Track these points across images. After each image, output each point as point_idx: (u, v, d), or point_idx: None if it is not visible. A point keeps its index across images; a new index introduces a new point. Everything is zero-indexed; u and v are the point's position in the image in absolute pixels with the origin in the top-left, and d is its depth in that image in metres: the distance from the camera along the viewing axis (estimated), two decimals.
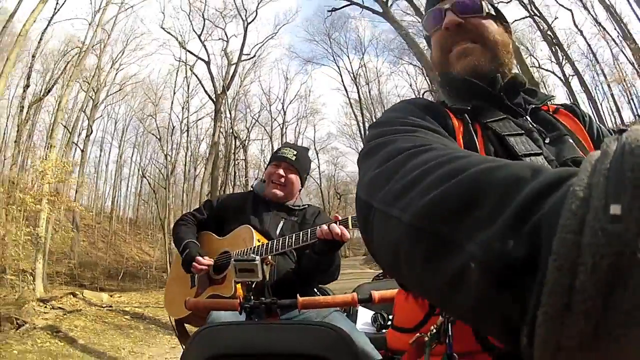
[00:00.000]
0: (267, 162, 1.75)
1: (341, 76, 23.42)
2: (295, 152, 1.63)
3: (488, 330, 0.26)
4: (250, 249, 1.40)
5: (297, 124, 25.31)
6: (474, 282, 0.23)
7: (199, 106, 19.88)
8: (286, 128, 24.15)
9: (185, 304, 1.26)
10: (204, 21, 17.38)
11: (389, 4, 11.68)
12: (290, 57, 37.47)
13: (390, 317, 0.70)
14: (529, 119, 0.65)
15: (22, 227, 7.96)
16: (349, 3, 14.09)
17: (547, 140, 0.61)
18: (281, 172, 1.59)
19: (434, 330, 0.50)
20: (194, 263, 1.45)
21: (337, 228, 1.24)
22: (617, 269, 0.17)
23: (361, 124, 21.73)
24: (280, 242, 1.35)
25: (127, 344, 5.34)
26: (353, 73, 22.90)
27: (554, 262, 0.18)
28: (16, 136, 12.15)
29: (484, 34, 0.66)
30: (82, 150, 15.88)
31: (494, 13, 0.69)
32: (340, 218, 1.29)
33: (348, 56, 25.83)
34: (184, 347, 1.09)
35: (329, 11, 15.58)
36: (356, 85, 22.58)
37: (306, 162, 1.69)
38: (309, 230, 1.31)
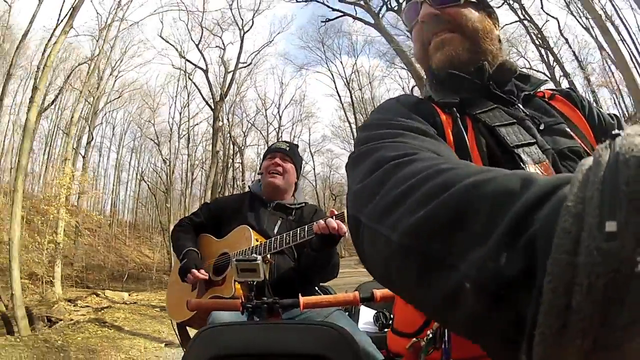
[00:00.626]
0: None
1: (334, 82, 23.39)
2: (287, 144, 1.71)
3: (485, 345, 0.25)
4: (250, 248, 1.40)
5: (293, 128, 25.23)
6: (469, 301, 0.23)
7: (196, 111, 19.90)
8: (282, 132, 24.10)
9: (187, 304, 1.25)
10: (202, 30, 17.31)
11: (380, 16, 11.63)
12: (285, 63, 37.45)
13: (392, 316, 0.69)
14: (520, 106, 0.62)
15: (46, 234, 8.76)
16: (341, 14, 14.01)
17: (541, 127, 0.58)
18: (278, 160, 1.63)
19: (430, 336, 0.49)
20: (188, 275, 1.47)
21: (333, 222, 1.24)
22: (613, 288, 0.16)
23: (354, 127, 21.54)
24: (279, 240, 1.34)
25: (165, 328, 6.12)
26: (346, 77, 22.83)
27: (548, 283, 0.18)
28: None
29: (461, 23, 0.62)
30: (84, 157, 15.94)
31: (474, 0, 0.65)
32: (336, 212, 1.29)
33: (341, 61, 25.69)
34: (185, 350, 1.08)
35: (322, 22, 15.59)
36: (349, 89, 22.54)
37: (299, 154, 1.74)
38: (306, 226, 1.31)
